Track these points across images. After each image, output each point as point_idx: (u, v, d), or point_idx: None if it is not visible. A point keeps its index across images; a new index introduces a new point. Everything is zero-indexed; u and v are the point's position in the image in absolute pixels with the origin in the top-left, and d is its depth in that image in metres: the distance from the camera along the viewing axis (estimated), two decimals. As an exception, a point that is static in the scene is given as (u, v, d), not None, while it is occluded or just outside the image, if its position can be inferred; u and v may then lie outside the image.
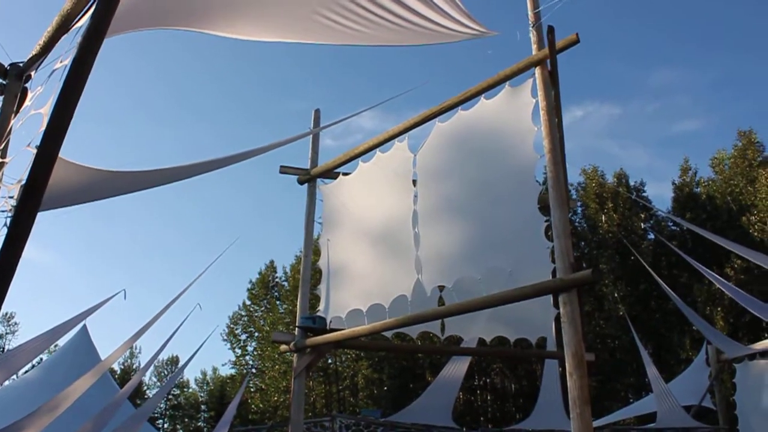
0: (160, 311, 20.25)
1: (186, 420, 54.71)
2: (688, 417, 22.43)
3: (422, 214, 11.99)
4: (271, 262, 46.65)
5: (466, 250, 11.55)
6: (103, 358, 22.23)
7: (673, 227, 36.12)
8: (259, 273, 46.32)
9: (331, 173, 14.16)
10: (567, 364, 9.00)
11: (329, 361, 37.77)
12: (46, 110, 4.74)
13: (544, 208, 10.69)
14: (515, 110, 10.93)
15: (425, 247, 11.82)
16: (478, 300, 10.50)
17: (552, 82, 10.23)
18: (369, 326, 12.15)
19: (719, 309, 30.42)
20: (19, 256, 3.35)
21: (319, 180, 14.36)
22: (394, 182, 12.60)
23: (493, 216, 11.38)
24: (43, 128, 3.46)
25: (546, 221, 10.73)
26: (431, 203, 12.03)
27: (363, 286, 12.83)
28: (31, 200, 3.37)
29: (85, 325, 24.45)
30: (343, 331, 12.51)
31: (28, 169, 3.37)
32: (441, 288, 12.23)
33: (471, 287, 11.33)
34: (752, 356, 22.74)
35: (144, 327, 20.40)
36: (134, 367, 49.84)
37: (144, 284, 76.10)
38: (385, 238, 12.73)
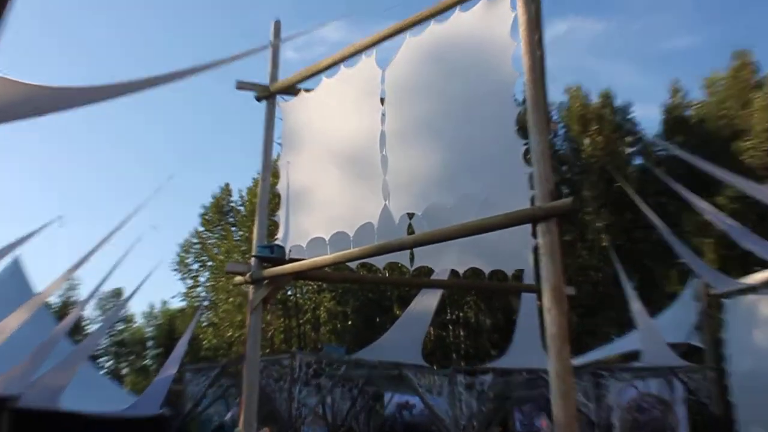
0: (100, 241, 20.29)
1: (132, 357, 55.08)
2: (674, 355, 23.11)
3: (390, 135, 12.00)
4: (227, 185, 46.38)
5: (438, 174, 11.63)
6: (38, 291, 22.32)
7: (661, 152, 36.43)
8: (213, 197, 46.07)
9: (292, 89, 14.04)
10: (545, 299, 9.20)
11: (288, 293, 38.09)
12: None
13: (523, 130, 10.77)
14: (493, 24, 10.86)
15: (393, 171, 11.88)
16: (450, 229, 10.63)
17: (533, -8, 10.21)
18: (332, 256, 12.28)
19: (709, 241, 31.03)
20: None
21: (278, 97, 14.25)
22: (360, 100, 12.56)
23: (468, 138, 11.44)
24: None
25: (525, 144, 10.81)
26: (400, 123, 12.03)
27: (326, 212, 12.90)
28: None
29: (17, 257, 24.44)
30: (303, 261, 12.62)
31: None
32: (410, 215, 12.33)
33: (443, 215, 11.43)
34: (743, 291, 23.33)
35: (82, 258, 20.43)
36: (74, 300, 49.66)
37: (88, 211, 75.44)
38: (350, 160, 12.75)
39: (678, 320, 24.83)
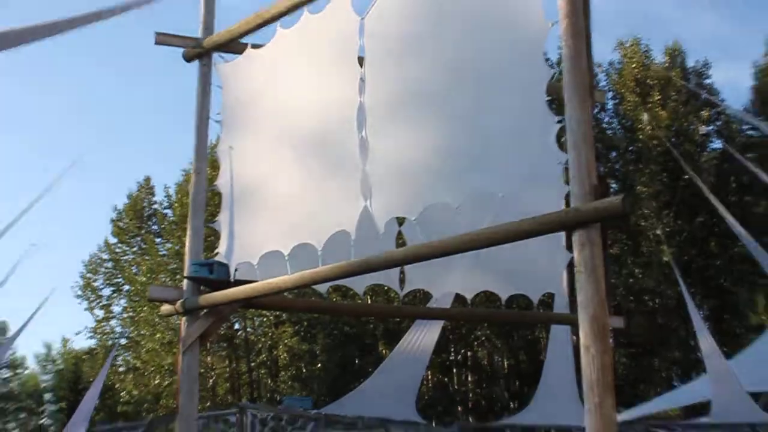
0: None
1: (22, 416, 54.92)
2: (756, 407, 23.18)
3: (373, 109, 11.78)
4: (147, 179, 46.18)
5: (439, 164, 11.47)
6: None
7: (750, 132, 36.39)
8: (129, 196, 45.77)
9: (234, 45, 13.89)
10: (582, 333, 9.12)
11: (236, 326, 37.98)
12: None
13: (557, 102, 10.68)
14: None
15: (377, 160, 11.69)
16: (455, 239, 10.52)
17: None
18: (293, 276, 12.14)
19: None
20: None
21: (216, 55, 14.09)
22: (330, 59, 12.38)
23: (480, 114, 11.30)
24: None
25: (559, 122, 10.74)
26: (387, 93, 11.83)
27: (284, 217, 12.76)
28: None
29: None
30: (254, 284, 12.49)
31: None
32: (400, 221, 12.25)
33: (445, 220, 11.36)
34: None
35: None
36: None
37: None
38: (316, 145, 12.59)
39: (763, 362, 24.92)
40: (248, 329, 38.83)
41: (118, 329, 45.27)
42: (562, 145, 10.37)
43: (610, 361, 9.08)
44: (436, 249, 10.91)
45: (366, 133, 11.84)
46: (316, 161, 12.68)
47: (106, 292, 46.03)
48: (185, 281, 13.37)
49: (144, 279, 39.12)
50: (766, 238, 28.00)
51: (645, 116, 35.45)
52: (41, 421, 53.37)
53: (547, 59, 11.86)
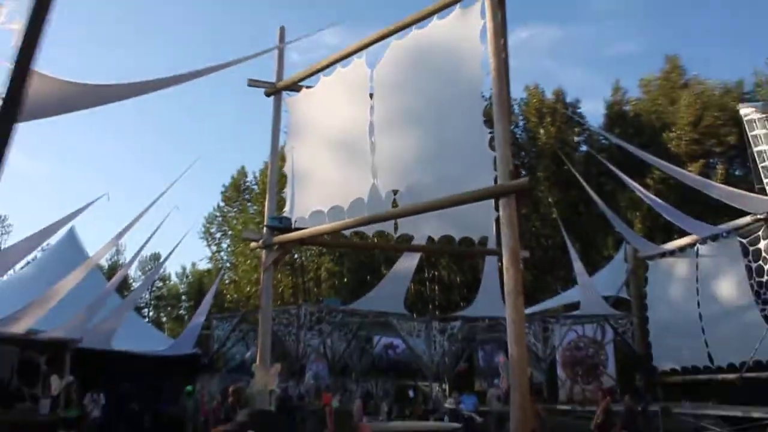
0: (140, 213, 20.25)
1: (169, 309, 55.07)
2: (606, 305, 23.29)
3: (378, 124, 11.83)
4: (242, 167, 46.25)
5: (418, 157, 11.51)
6: (90, 255, 22.31)
7: (603, 141, 36.29)
8: (232, 177, 45.97)
9: (295, 86, 13.80)
10: (504, 260, 9.14)
11: (295, 256, 38.00)
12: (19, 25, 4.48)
13: (489, 121, 10.63)
14: (465, 30, 10.73)
15: (380, 155, 11.73)
16: (428, 202, 10.54)
17: (499, 3, 10.05)
18: (329, 225, 12.18)
19: (638, 214, 31.11)
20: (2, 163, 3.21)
21: (284, 93, 13.99)
22: (352, 95, 12.36)
23: (444, 127, 11.31)
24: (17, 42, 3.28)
25: (490, 133, 10.68)
26: (386, 114, 11.86)
27: (324, 189, 12.75)
28: (11, 110, 3.22)
29: (72, 227, 24.39)
30: (306, 230, 12.50)
31: (6, 82, 3.21)
32: (395, 192, 12.23)
33: (422, 191, 11.30)
34: (663, 255, 23.53)
35: (127, 226, 20.37)
36: (120, 263, 49.54)
37: (134, 191, 74.86)
38: (344, 145, 12.60)
39: (611, 278, 25.04)
40: (302, 258, 38.88)
41: (225, 258, 45.40)
42: (491, 147, 10.33)
43: (520, 277, 9.11)
44: (416, 208, 10.96)
45: (374, 139, 11.87)
46: (343, 155, 12.68)
47: (218, 235, 46.24)
48: (265, 228, 13.34)
49: (240, 227, 39.08)
50: (612, 204, 27.98)
51: (541, 130, 35.37)
52: (180, 313, 53.36)
53: (483, 95, 11.74)
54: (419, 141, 11.62)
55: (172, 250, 29.10)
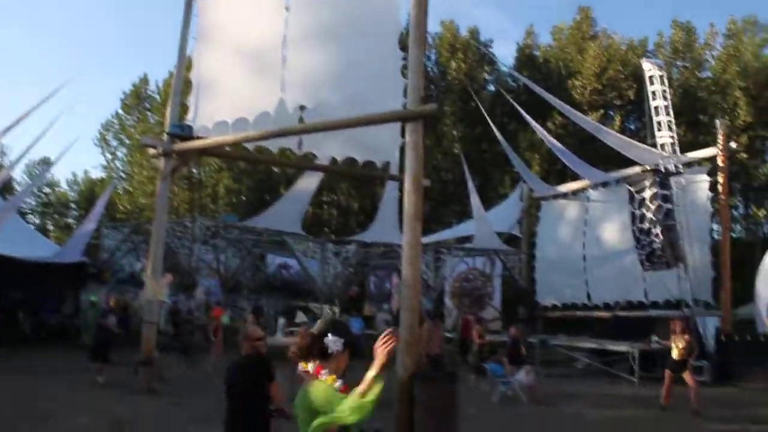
0: (28, 110, 19.08)
1: (56, 217, 52.80)
2: (499, 240, 24.12)
3: (292, 37, 11.57)
4: (145, 74, 44.25)
5: (329, 75, 11.39)
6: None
7: (511, 83, 36.83)
8: (133, 85, 43.90)
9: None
10: (406, 185, 9.24)
11: (193, 170, 37.13)
12: None
13: (404, 49, 10.60)
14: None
15: (291, 69, 11.52)
16: (335, 121, 10.48)
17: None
18: (233, 137, 11.95)
19: (537, 156, 32.05)
20: None
21: (196, -6, 13.41)
22: (268, 5, 11.99)
23: (358, 47, 11.19)
24: None
25: (403, 59, 10.66)
26: (301, 28, 11.60)
27: (230, 100, 12.42)
28: None
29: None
30: (208, 140, 12.22)
31: None
32: (302, 108, 12.07)
33: (330, 109, 11.24)
34: (556, 196, 24.49)
35: (13, 122, 19.18)
36: (4, 165, 46.92)
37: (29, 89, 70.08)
38: (254, 56, 12.27)
39: (506, 214, 25.83)
40: (201, 172, 38.05)
41: (120, 167, 43.85)
42: (403, 74, 10.32)
43: (420, 204, 9.26)
44: (323, 126, 10.88)
45: (286, 52, 11.60)
46: (253, 65, 12.38)
47: (114, 143, 44.44)
48: (165, 135, 12.93)
49: (138, 137, 37.70)
50: (513, 144, 28.63)
51: (453, 64, 35.45)
52: (68, 221, 51.34)
53: (400, 21, 11.68)
54: (332, 58, 11.46)
55: (62, 153, 27.96)
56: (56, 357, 16.51)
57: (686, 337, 11.35)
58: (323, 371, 2.94)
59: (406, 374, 8.87)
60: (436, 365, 10.36)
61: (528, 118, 23.87)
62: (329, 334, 3.00)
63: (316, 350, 2.98)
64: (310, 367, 2.98)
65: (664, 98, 19.05)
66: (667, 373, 11.50)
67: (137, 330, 14.01)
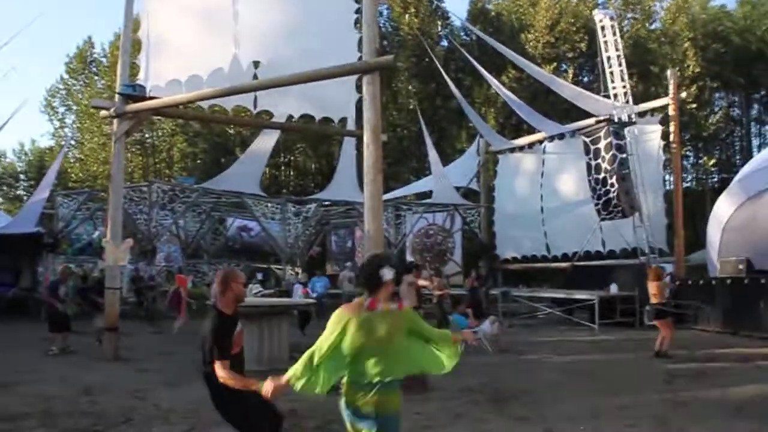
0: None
1: (4, 188, 51.39)
2: (458, 195, 24.25)
3: (242, -9, 11.29)
4: (89, 37, 42.90)
5: (284, 29, 11.20)
6: None
7: (464, 37, 36.67)
8: (78, 48, 42.54)
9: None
10: (366, 137, 9.20)
11: (146, 135, 36.41)
12: None
13: (357, 2, 10.46)
14: None
15: (244, 23, 11.28)
16: (290, 76, 10.31)
17: None
18: (187, 95, 11.67)
19: (492, 110, 32.13)
20: None
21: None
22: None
23: (311, 0, 11.00)
24: None
25: (356, 12, 10.51)
26: (252, -18, 11.34)
27: (182, 58, 12.08)
28: None
29: None
30: (162, 99, 11.91)
31: None
32: (256, 64, 11.84)
33: (285, 64, 11.03)
34: (513, 150, 24.63)
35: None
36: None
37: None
38: (205, 11, 11.94)
39: (463, 169, 25.92)
40: (154, 137, 37.34)
41: (69, 134, 42.58)
42: (356, 27, 10.18)
43: (380, 154, 9.24)
44: (278, 81, 10.70)
45: (238, 6, 11.34)
46: (204, 21, 12.05)
47: (61, 110, 43.12)
48: (117, 96, 12.55)
49: (86, 103, 36.69)
50: (468, 99, 28.66)
51: (406, 19, 35.05)
52: (18, 192, 50.01)
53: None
54: (285, 11, 11.27)
55: (6, 122, 26.98)
56: (17, 330, 16.20)
57: (654, 283, 11.54)
58: (379, 304, 3.44)
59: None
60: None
61: (483, 71, 23.86)
62: (384, 267, 3.47)
63: (375, 282, 3.45)
64: (366, 300, 3.45)
65: (616, 48, 19.15)
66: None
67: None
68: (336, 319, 3.45)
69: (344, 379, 3.46)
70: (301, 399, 7.89)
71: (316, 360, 3.44)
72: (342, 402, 3.45)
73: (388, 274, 3.44)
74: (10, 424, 6.72)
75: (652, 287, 11.50)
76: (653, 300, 11.50)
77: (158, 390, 8.59)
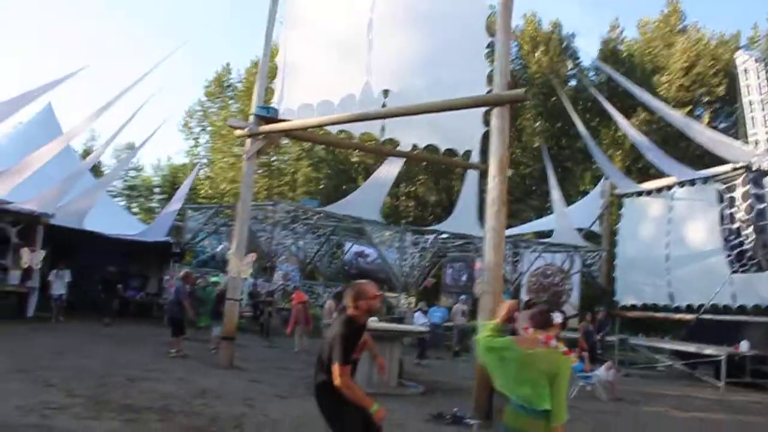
0: (119, 93, 19.77)
1: (141, 200, 54.69)
2: (579, 237, 23.63)
3: (378, 21, 11.62)
4: (227, 64, 45.30)
5: (415, 59, 11.39)
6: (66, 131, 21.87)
7: (593, 78, 36.11)
8: (216, 72, 45.08)
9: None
10: (491, 168, 9.16)
11: (272, 158, 37.81)
12: None
13: (490, 33, 10.50)
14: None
15: (377, 53, 11.56)
16: (420, 105, 10.44)
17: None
18: (317, 119, 12.05)
19: (619, 153, 31.34)
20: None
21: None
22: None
23: (444, 31, 11.17)
24: None
25: (487, 47, 10.55)
26: (388, 10, 11.65)
27: (315, 83, 12.53)
28: None
29: (50, 104, 23.82)
30: (293, 121, 12.37)
31: None
32: (386, 93, 12.09)
33: (414, 94, 11.21)
34: (640, 194, 23.78)
35: (106, 104, 19.92)
36: (94, 149, 48.82)
37: (117, 76, 72.66)
38: (341, 39, 12.34)
39: (586, 211, 25.28)
40: (280, 160, 38.75)
41: (202, 153, 44.97)
42: (488, 59, 10.21)
43: (506, 187, 9.17)
44: (406, 110, 10.86)
45: (372, 35, 11.65)
46: (339, 49, 12.44)
47: (197, 129, 45.66)
48: (252, 116, 13.14)
49: (220, 124, 38.68)
50: (595, 141, 27.99)
51: (535, 57, 34.90)
52: (151, 205, 53.07)
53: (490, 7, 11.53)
54: (418, 42, 11.46)
55: (149, 137, 28.76)
56: (143, 331, 17.09)
57: None
58: (552, 340, 3.95)
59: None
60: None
61: (612, 110, 23.25)
62: (554, 311, 4.15)
63: (545, 322, 4.02)
64: (541, 335, 3.96)
65: (760, 92, 18.20)
66: None
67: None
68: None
69: None
70: (407, 424, 8.00)
71: None
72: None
73: (556, 318, 4.11)
74: (135, 415, 7.10)
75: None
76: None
77: (269, 400, 8.82)
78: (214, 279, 18.89)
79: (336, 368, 4.02)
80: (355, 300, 4.34)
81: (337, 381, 4.01)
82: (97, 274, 19.62)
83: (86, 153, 45.74)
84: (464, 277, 25.58)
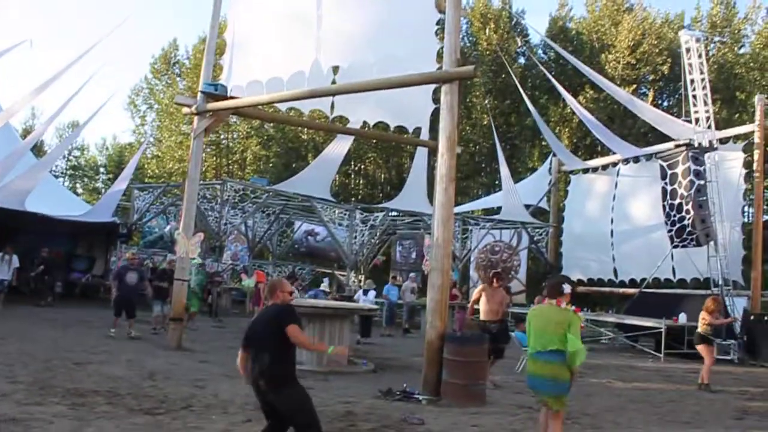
0: (61, 69, 19.18)
1: (85, 180, 53.39)
2: (527, 213, 23.91)
3: (326, -1, 11.48)
4: (174, 40, 44.38)
5: (365, 34, 11.32)
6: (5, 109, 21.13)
7: (542, 55, 36.31)
8: (163, 49, 44.05)
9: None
10: (440, 146, 9.19)
11: (221, 136, 37.29)
12: None
13: (440, 11, 10.49)
14: None
15: (327, 28, 11.45)
16: (370, 82, 10.39)
17: None
18: (266, 96, 11.92)
19: (567, 130, 31.66)
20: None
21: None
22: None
23: (393, 8, 11.10)
24: None
25: (437, 23, 10.54)
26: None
27: (264, 60, 12.37)
28: None
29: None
30: (242, 99, 12.21)
31: None
32: (335, 69, 12.00)
33: (364, 71, 11.16)
34: (585, 170, 24.21)
35: (48, 80, 19.31)
36: (36, 128, 47.35)
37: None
38: (290, 15, 12.17)
39: (534, 188, 25.57)
40: (229, 138, 38.24)
41: (149, 132, 44.08)
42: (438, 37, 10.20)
43: (454, 164, 9.21)
44: (357, 86, 10.79)
45: (321, 11, 11.53)
46: (288, 24, 12.27)
47: (143, 108, 44.72)
48: (199, 94, 12.91)
49: (167, 102, 37.92)
50: (543, 118, 28.27)
51: (485, 35, 34.91)
52: (96, 185, 51.93)
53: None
54: (366, 18, 11.39)
55: (93, 115, 28.14)
56: (89, 314, 16.75)
57: (708, 313, 11.11)
58: (562, 303, 5.45)
59: (435, 335, 8.91)
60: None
61: (561, 89, 23.53)
62: (564, 284, 5.54)
63: (557, 292, 5.48)
64: (554, 301, 5.47)
65: (701, 71, 18.61)
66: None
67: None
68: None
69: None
70: (356, 401, 8.06)
71: None
72: None
73: (566, 288, 5.51)
74: (81, 399, 6.97)
75: (704, 314, 11.09)
76: (701, 326, 11.08)
77: (218, 381, 8.77)
78: (195, 261, 18.16)
79: (294, 328, 4.48)
80: (271, 293, 4.92)
81: (297, 339, 4.50)
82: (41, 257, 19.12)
83: (27, 132, 44.41)
84: (414, 255, 25.72)
